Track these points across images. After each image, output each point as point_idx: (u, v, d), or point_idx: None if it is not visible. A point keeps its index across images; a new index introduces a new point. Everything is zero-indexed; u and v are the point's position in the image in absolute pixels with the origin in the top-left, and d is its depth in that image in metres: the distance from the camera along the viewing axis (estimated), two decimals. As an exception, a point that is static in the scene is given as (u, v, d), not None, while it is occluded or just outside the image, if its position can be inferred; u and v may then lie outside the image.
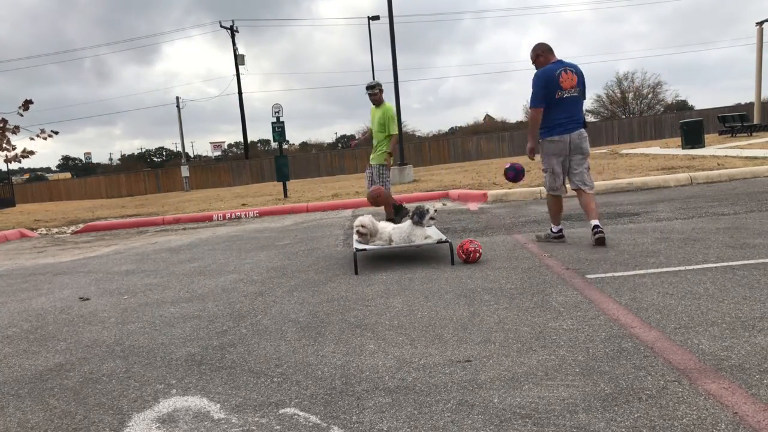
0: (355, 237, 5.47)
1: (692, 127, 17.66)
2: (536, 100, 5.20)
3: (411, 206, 6.32)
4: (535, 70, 5.32)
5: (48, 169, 76.75)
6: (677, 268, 4.09)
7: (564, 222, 6.76)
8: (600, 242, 5.08)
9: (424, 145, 37.91)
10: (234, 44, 38.76)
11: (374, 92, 7.06)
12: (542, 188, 10.08)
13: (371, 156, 7.20)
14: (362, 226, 5.38)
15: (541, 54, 5.33)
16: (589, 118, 51.80)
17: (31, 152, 16.44)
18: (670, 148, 19.40)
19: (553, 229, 5.56)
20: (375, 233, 5.41)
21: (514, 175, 5.77)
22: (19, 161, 16.51)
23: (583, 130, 5.28)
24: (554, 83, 5.12)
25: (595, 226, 5.11)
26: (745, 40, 29.57)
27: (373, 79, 31.02)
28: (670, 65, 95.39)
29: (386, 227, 5.46)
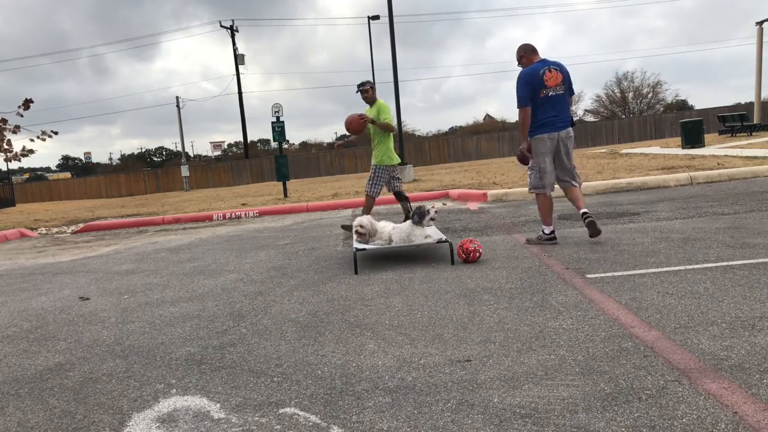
0: (355, 237, 5.48)
1: (692, 126, 17.66)
2: (523, 100, 5.24)
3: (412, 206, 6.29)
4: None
5: (48, 169, 76.72)
6: (677, 268, 4.09)
7: (563, 222, 6.76)
8: (591, 226, 5.16)
9: (424, 144, 37.91)
10: (234, 44, 38.80)
11: (365, 89, 6.87)
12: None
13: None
14: (360, 227, 5.38)
15: (524, 55, 5.41)
16: (589, 118, 51.84)
17: (31, 151, 16.41)
18: (670, 148, 19.40)
19: (545, 231, 5.46)
20: (374, 233, 5.41)
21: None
22: (19, 160, 16.48)
23: (570, 129, 5.35)
24: (538, 82, 5.19)
25: (584, 213, 5.27)
26: (753, 38, 29.41)
27: (373, 79, 31.03)
28: (682, 62, 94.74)
29: (386, 227, 5.46)
